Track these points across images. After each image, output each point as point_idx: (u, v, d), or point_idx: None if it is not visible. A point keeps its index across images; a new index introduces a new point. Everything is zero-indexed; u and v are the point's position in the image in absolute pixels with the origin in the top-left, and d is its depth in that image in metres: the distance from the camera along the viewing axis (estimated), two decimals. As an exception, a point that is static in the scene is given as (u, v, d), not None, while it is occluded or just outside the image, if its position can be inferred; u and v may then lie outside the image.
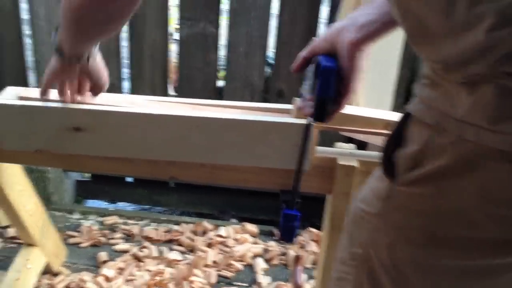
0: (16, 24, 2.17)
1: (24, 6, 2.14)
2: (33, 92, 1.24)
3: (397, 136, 0.72)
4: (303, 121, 1.10)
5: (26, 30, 2.19)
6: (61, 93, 1.16)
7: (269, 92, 2.21)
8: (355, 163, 1.17)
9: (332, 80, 0.90)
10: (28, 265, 1.73)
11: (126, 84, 2.29)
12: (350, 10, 1.50)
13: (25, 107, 1.16)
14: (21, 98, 1.21)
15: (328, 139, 1.33)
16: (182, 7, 2.10)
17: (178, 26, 2.15)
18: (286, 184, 1.21)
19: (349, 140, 2.02)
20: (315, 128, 1.13)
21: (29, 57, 2.24)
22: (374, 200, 0.75)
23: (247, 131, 1.12)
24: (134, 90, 2.25)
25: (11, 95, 1.22)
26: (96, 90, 1.19)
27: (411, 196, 0.69)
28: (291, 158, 1.14)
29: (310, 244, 2.12)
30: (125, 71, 2.28)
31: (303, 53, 0.98)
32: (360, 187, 0.83)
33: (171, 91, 2.33)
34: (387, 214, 0.72)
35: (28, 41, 2.22)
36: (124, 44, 2.21)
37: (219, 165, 1.21)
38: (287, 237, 1.22)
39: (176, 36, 2.21)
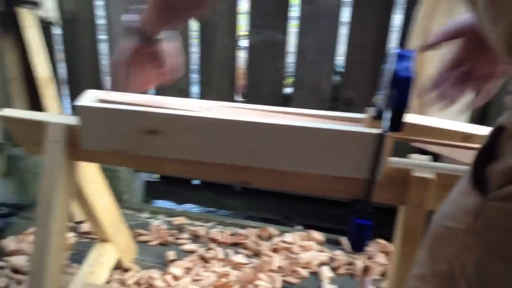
0: (92, 30, 2.27)
1: (100, 13, 2.24)
2: (113, 95, 1.29)
3: (489, 149, 0.70)
4: (376, 131, 1.09)
5: (102, 35, 2.28)
6: (130, 80, 1.15)
7: (337, 100, 2.19)
8: (430, 175, 1.14)
9: (409, 90, 0.88)
10: (101, 259, 1.81)
11: (194, 89, 2.34)
12: (425, 19, 1.47)
13: (105, 109, 1.21)
14: (101, 101, 1.26)
15: (398, 150, 1.30)
16: (251, 14, 2.12)
17: (246, 33, 2.18)
18: (357, 194, 1.20)
19: (421, 151, 1.98)
20: (389, 138, 1.11)
21: (104, 61, 2.33)
22: (462, 216, 0.72)
23: (320, 139, 1.12)
24: (202, 95, 2.30)
25: (91, 98, 1.28)
26: (172, 74, 1.17)
27: (505, 212, 0.66)
28: (363, 168, 1.13)
29: (378, 255, 2.09)
30: (194, 77, 2.32)
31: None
32: (441, 201, 0.81)
33: (238, 97, 2.36)
34: (478, 231, 0.70)
35: (103, 46, 2.31)
36: (194, 50, 2.26)
37: (291, 172, 1.22)
38: (358, 247, 1.21)
39: (244, 43, 2.24)
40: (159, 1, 0.99)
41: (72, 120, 1.30)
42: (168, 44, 1.11)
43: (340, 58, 2.19)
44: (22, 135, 1.42)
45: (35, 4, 2.07)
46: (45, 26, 2.19)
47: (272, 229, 2.24)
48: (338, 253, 2.13)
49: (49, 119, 1.33)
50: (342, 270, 2.04)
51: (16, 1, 2.06)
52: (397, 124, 0.93)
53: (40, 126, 1.33)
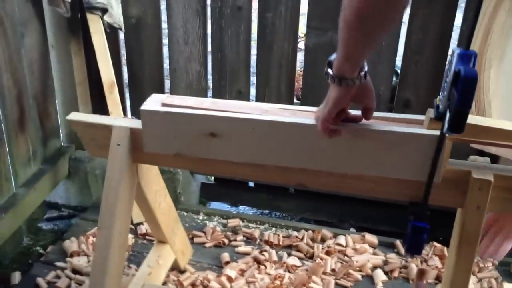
0: (157, 35, 2.33)
1: (164, 18, 2.30)
2: (176, 99, 1.33)
3: None
4: (436, 132, 1.08)
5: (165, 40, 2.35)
6: (335, 121, 1.14)
7: (394, 101, 2.17)
8: (490, 177, 1.12)
9: (473, 91, 0.88)
10: (160, 261, 1.85)
11: (252, 91, 2.37)
12: (487, 18, 1.44)
13: (168, 113, 1.25)
14: (164, 105, 1.31)
15: (456, 151, 1.29)
16: (310, 16, 2.13)
17: (304, 35, 2.18)
18: (414, 196, 1.20)
19: (479, 153, 1.94)
20: (448, 139, 1.10)
21: (166, 65, 2.39)
22: None
23: (379, 141, 1.13)
24: (261, 98, 2.32)
25: (155, 102, 1.32)
26: (370, 111, 1.15)
27: None
28: (422, 170, 1.13)
29: (433, 258, 2.06)
30: (252, 79, 2.36)
31: None
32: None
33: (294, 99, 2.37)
34: None
35: (165, 50, 2.37)
36: (253, 52, 2.29)
37: (347, 174, 1.22)
38: (415, 249, 1.20)
39: (301, 45, 2.25)
40: (351, 38, 1.00)
41: (136, 124, 1.35)
42: (367, 77, 1.12)
43: (397, 58, 2.17)
44: (87, 138, 1.48)
45: (103, 10, 2.15)
46: (111, 31, 2.27)
47: (325, 232, 2.24)
48: (392, 256, 2.11)
49: (114, 123, 1.38)
50: (396, 274, 2.02)
51: (85, 7, 2.14)
52: (458, 125, 0.93)
53: (104, 129, 1.39)
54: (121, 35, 2.40)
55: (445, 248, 2.10)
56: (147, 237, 2.22)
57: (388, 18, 0.96)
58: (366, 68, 1.08)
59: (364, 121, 1.17)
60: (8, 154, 2.07)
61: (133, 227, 2.26)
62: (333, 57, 1.07)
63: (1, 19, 1.91)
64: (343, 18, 0.97)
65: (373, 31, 0.98)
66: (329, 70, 1.07)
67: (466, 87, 0.87)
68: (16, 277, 2.02)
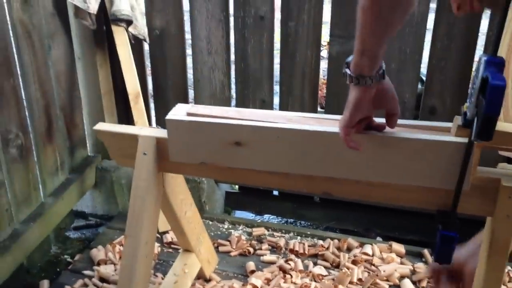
0: (181, 45, 2.36)
1: (187, 29, 2.32)
2: (200, 108, 1.34)
3: None
4: (464, 140, 1.07)
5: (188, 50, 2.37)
6: (358, 129, 1.14)
7: (420, 109, 2.15)
8: (521, 185, 1.10)
9: (501, 98, 0.86)
10: (185, 269, 1.86)
11: (276, 100, 2.37)
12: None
13: (193, 122, 1.26)
14: (189, 114, 1.32)
15: (485, 159, 1.27)
16: (333, 25, 2.13)
17: (327, 44, 2.18)
18: (442, 204, 1.18)
19: (508, 160, 1.91)
20: (477, 147, 1.09)
21: (190, 75, 2.41)
22: None
23: (406, 149, 1.12)
24: (284, 106, 2.32)
25: (180, 111, 1.33)
26: (394, 117, 1.14)
27: None
28: (450, 178, 1.11)
29: (461, 268, 2.03)
30: (276, 88, 2.36)
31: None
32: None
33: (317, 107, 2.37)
34: None
35: (189, 61, 2.39)
36: (276, 61, 2.29)
37: (374, 182, 1.21)
38: (444, 259, 1.19)
39: (324, 53, 2.25)
40: (366, 30, 1.01)
41: (161, 133, 1.36)
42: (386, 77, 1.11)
43: (422, 65, 2.15)
44: (114, 148, 1.50)
45: (128, 22, 2.19)
46: (135, 42, 2.30)
47: (352, 241, 2.22)
48: (420, 266, 2.08)
49: (140, 132, 1.40)
50: (424, 283, 1.99)
51: (110, 20, 2.17)
52: (487, 132, 0.91)
53: (131, 139, 1.41)
54: (146, 46, 2.43)
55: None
56: (172, 245, 2.23)
57: None
58: (384, 67, 1.07)
59: (389, 129, 1.16)
60: (36, 164, 2.11)
61: (159, 235, 2.27)
62: (351, 58, 1.07)
63: (28, 32, 1.95)
64: (359, 6, 0.99)
65: (386, 13, 0.98)
66: (347, 70, 1.07)
67: (494, 94, 0.86)
68: (45, 285, 2.04)
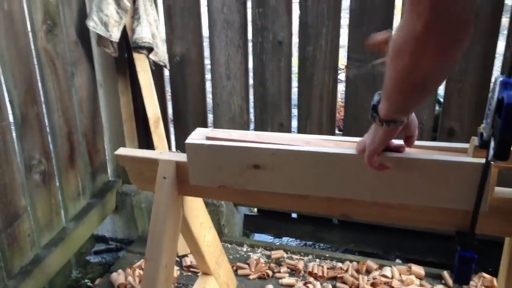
0: (200, 71, 2.40)
1: (207, 54, 2.37)
2: (219, 132, 1.36)
3: None
4: (481, 160, 1.07)
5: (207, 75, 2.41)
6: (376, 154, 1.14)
7: (438, 130, 2.15)
8: (539, 205, 1.10)
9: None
10: (205, 292, 1.86)
11: (294, 123, 2.39)
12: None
13: (212, 146, 1.28)
14: (208, 138, 1.34)
15: (503, 179, 1.27)
16: (350, 48, 2.15)
17: (344, 67, 2.20)
18: (460, 225, 1.18)
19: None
20: (494, 167, 1.09)
21: (209, 100, 2.45)
22: None
23: (423, 170, 1.12)
24: (302, 130, 2.34)
25: (199, 135, 1.35)
26: (412, 138, 1.14)
27: None
28: (468, 198, 1.12)
29: (482, 290, 2.00)
30: (294, 111, 2.38)
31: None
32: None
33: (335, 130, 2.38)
34: None
35: (208, 86, 2.43)
36: (294, 85, 2.32)
37: (392, 204, 1.22)
38: (463, 280, 1.18)
39: (342, 76, 2.27)
40: (400, 93, 0.96)
41: (181, 157, 1.39)
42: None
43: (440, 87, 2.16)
44: (134, 172, 1.53)
45: (149, 49, 2.24)
46: (156, 68, 2.34)
47: (371, 263, 2.21)
48: (440, 288, 2.06)
49: (160, 157, 1.43)
50: (444, 306, 1.97)
51: (132, 47, 2.23)
52: (503, 153, 0.92)
53: (151, 163, 1.43)
54: (166, 72, 2.47)
55: (494, 279, 2.04)
56: (192, 269, 2.24)
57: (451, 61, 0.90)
58: None
59: (407, 149, 1.17)
60: (58, 189, 2.15)
61: (178, 259, 2.28)
62: (376, 99, 1.05)
63: (52, 60, 2.00)
64: (400, 79, 0.91)
65: (434, 85, 0.95)
66: (376, 115, 1.06)
67: (510, 114, 0.87)
68: (66, 309, 2.06)
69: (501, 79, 0.94)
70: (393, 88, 0.95)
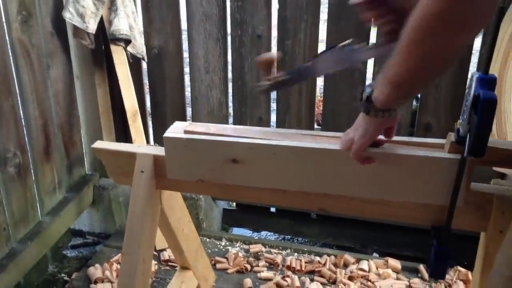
0: (178, 64, 2.38)
1: (185, 47, 2.35)
2: (198, 126, 1.35)
3: None
4: (457, 156, 1.08)
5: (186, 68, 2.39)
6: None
7: (415, 126, 2.17)
8: (513, 201, 1.12)
9: (492, 114, 0.88)
10: (183, 287, 1.85)
11: (273, 118, 2.39)
12: (506, 42, 1.45)
13: (190, 140, 1.27)
14: (187, 132, 1.33)
15: (479, 174, 1.28)
16: (329, 42, 2.15)
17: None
18: (437, 220, 1.19)
19: (501, 176, 1.92)
20: (470, 163, 1.10)
21: (188, 93, 2.43)
22: None
23: (400, 165, 1.13)
24: (281, 124, 2.34)
25: (178, 129, 1.34)
26: (392, 129, 1.14)
27: None
28: (444, 194, 1.13)
29: (457, 283, 2.03)
30: (273, 105, 2.38)
31: None
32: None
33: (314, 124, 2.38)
34: None
35: (186, 79, 2.42)
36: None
37: (370, 199, 1.22)
38: (438, 274, 1.19)
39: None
40: (407, 82, 0.94)
41: (159, 151, 1.38)
42: None
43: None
44: (112, 166, 1.51)
45: (127, 41, 2.21)
46: (134, 61, 2.32)
47: (348, 257, 2.22)
48: (416, 281, 2.08)
49: (138, 150, 1.41)
50: (420, 299, 2.00)
51: (109, 39, 2.20)
52: (479, 148, 0.93)
53: (128, 157, 1.42)
54: (144, 65, 2.45)
55: (469, 273, 2.07)
56: (170, 263, 2.24)
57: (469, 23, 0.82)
58: None
59: (385, 144, 1.17)
60: (34, 182, 2.12)
61: (156, 253, 2.27)
62: (368, 91, 1.04)
63: (27, 51, 1.97)
64: (409, 40, 0.88)
65: (448, 41, 0.86)
66: (370, 106, 1.04)
67: (485, 111, 0.88)
68: (42, 304, 2.04)
69: (477, 75, 0.95)
70: (409, 70, 0.91)
